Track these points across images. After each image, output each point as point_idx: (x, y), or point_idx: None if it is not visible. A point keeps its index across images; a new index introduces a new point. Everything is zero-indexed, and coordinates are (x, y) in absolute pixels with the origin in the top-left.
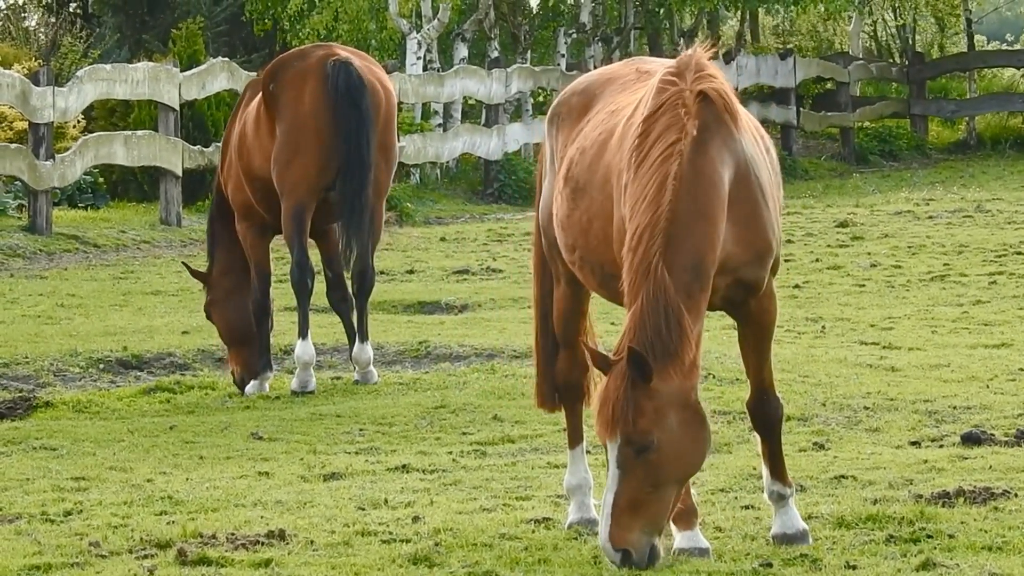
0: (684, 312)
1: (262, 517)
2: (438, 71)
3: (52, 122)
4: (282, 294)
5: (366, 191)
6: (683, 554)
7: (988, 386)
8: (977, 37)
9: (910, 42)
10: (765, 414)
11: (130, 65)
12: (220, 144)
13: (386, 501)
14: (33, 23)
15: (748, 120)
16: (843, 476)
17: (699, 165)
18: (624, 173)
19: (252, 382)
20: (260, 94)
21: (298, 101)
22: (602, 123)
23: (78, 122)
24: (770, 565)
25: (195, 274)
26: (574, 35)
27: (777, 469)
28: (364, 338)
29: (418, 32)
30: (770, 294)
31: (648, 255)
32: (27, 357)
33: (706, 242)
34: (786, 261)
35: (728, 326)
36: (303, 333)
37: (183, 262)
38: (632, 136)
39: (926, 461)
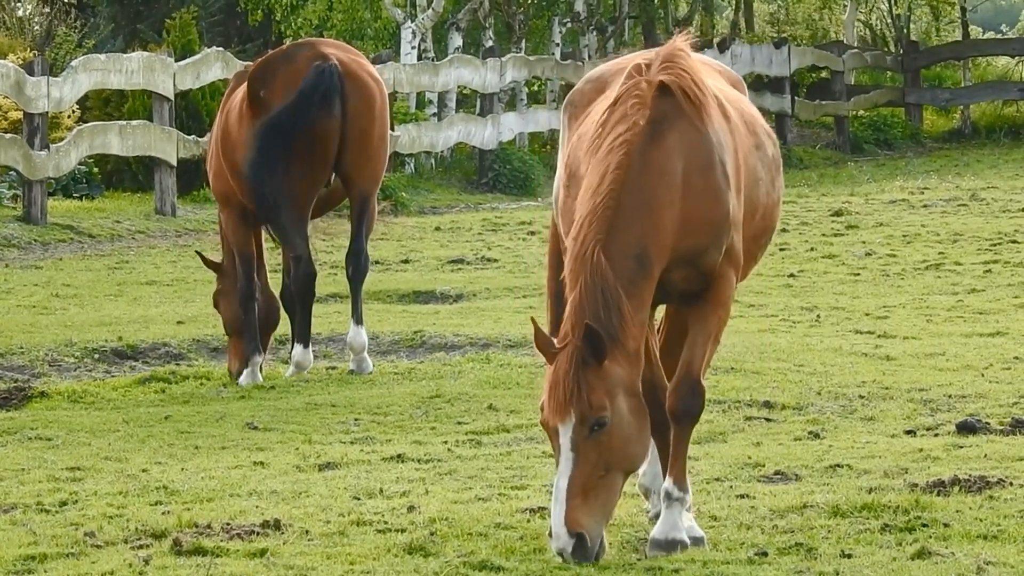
0: (624, 298)
1: (257, 507)
2: (433, 60)
3: (47, 112)
4: (277, 283)
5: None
6: None
7: (983, 375)
8: (972, 26)
9: (905, 31)
10: (688, 405)
11: (124, 55)
12: None
13: (381, 491)
14: (27, 13)
15: (728, 109)
16: (838, 465)
17: (650, 155)
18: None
19: (246, 371)
20: (244, 90)
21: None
22: (598, 112)
23: (72, 112)
24: (765, 554)
25: (207, 263)
26: (568, 24)
27: (676, 466)
28: (359, 322)
29: (413, 21)
30: (726, 279)
31: (586, 243)
32: (22, 347)
33: (650, 232)
34: (781, 250)
35: None
36: (304, 341)
37: (197, 251)
38: (596, 126)
39: (921, 450)
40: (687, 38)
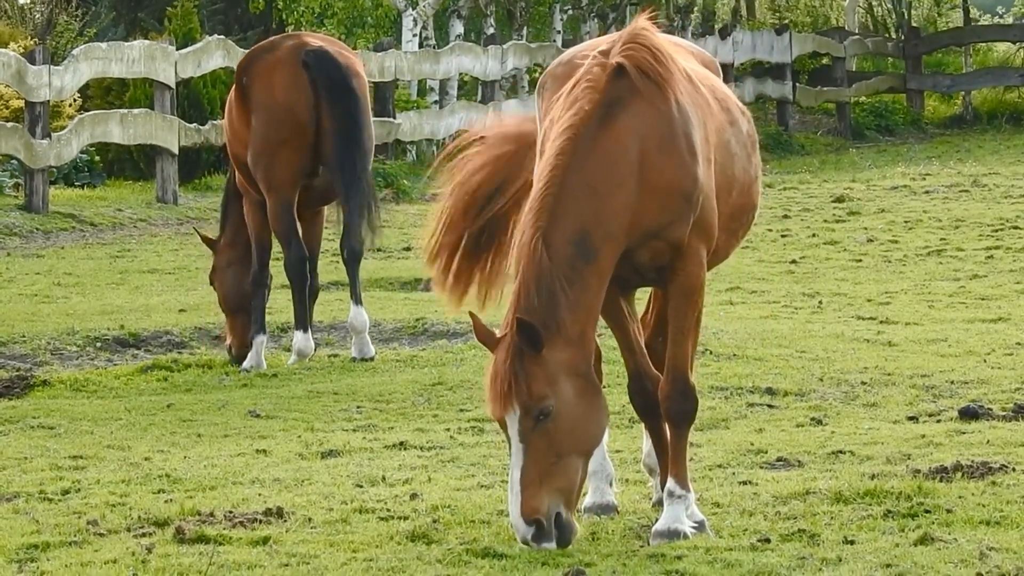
0: (562, 285)
1: (260, 495)
2: (434, 48)
3: (48, 101)
4: (279, 272)
5: (366, 174)
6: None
7: (985, 360)
8: (972, 11)
9: (906, 17)
10: (681, 408)
11: (126, 43)
12: (216, 122)
13: (384, 478)
14: (29, 2)
15: (699, 84)
16: (841, 451)
17: (599, 139)
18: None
19: (250, 356)
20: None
21: (271, 94)
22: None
23: (74, 101)
24: (768, 540)
25: (204, 239)
26: (570, 11)
27: (677, 465)
28: (358, 302)
29: (414, 9)
30: (697, 260)
31: (527, 232)
32: (24, 336)
33: (595, 217)
34: (783, 236)
35: (724, 302)
36: (303, 326)
37: (194, 227)
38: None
39: (924, 436)
40: (651, 16)
